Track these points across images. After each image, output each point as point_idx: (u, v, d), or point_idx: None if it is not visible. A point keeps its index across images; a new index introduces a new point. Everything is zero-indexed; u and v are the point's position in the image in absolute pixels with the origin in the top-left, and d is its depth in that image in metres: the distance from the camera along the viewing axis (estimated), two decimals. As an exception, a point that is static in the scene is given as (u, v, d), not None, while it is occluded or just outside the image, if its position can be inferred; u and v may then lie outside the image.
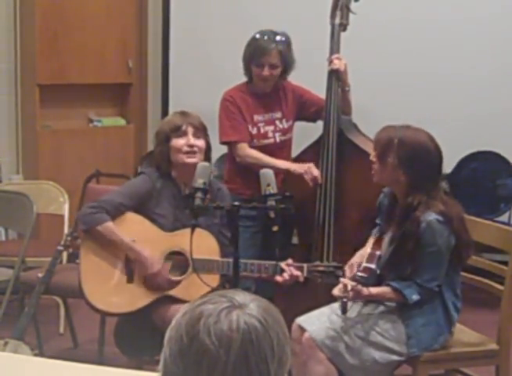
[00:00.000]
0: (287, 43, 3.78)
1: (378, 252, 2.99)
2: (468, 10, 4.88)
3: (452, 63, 4.89)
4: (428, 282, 2.91)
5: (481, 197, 4.77)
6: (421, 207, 2.89)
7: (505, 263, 3.15)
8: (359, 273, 2.94)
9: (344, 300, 2.86)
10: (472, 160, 4.82)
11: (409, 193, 2.94)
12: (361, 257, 3.10)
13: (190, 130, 3.19)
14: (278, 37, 3.75)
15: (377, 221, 3.20)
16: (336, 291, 2.94)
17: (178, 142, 3.18)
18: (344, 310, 2.89)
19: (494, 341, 3.15)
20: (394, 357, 2.98)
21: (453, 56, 4.89)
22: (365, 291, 2.90)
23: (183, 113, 3.25)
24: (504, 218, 4.82)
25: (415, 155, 2.94)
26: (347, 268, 3.11)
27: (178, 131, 3.19)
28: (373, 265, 2.96)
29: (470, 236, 2.99)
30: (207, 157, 3.23)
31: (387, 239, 3.04)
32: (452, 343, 3.09)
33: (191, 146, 3.16)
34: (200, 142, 3.19)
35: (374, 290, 2.94)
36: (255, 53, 3.73)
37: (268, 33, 3.77)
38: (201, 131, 3.22)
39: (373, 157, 3.03)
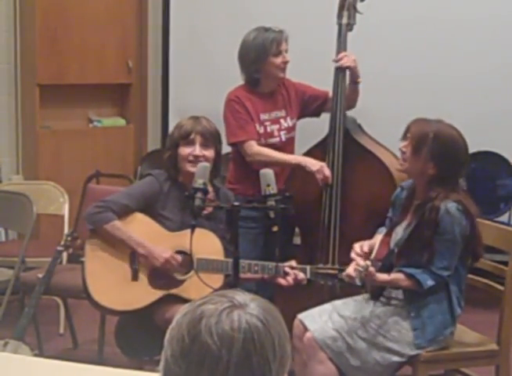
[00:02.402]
0: None
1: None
2: (468, 10, 4.88)
3: (452, 63, 4.89)
4: (441, 270, 2.93)
5: (481, 197, 4.75)
6: (440, 196, 2.93)
7: (505, 263, 3.15)
8: (369, 262, 2.96)
9: (361, 269, 2.85)
10: (472, 160, 4.79)
11: (432, 186, 2.97)
12: (371, 243, 3.11)
13: (198, 139, 3.17)
14: (280, 28, 3.78)
15: (389, 214, 3.21)
16: (350, 270, 2.96)
17: (185, 150, 3.17)
18: (362, 283, 2.90)
19: (494, 341, 3.15)
20: (396, 358, 2.99)
21: (453, 56, 4.89)
22: (379, 274, 2.91)
23: (196, 120, 3.21)
24: (504, 218, 4.82)
25: (448, 150, 2.98)
26: (356, 246, 3.09)
27: (186, 139, 3.17)
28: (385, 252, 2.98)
29: (480, 232, 3.01)
30: (216, 164, 3.21)
31: (400, 229, 3.06)
32: (452, 343, 3.10)
33: (196, 156, 3.15)
34: (208, 152, 3.17)
35: (387, 276, 2.95)
36: (273, 43, 3.72)
37: (263, 28, 3.78)
38: (210, 140, 3.19)
39: (403, 148, 3.04)
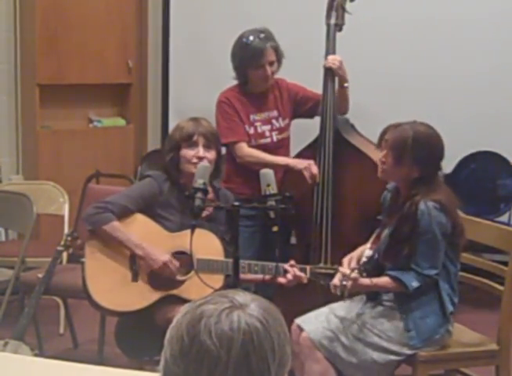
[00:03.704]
0: (273, 37, 3.79)
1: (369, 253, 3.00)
2: (467, 10, 4.88)
3: (452, 63, 4.88)
4: (427, 269, 2.93)
5: (481, 197, 4.76)
6: (421, 193, 2.93)
7: (505, 263, 3.15)
8: (357, 266, 2.96)
9: (344, 283, 2.87)
10: (472, 160, 4.82)
11: (416, 185, 2.97)
12: (361, 252, 3.11)
13: (201, 141, 3.16)
14: (266, 35, 3.76)
15: (380, 217, 3.21)
16: (335, 280, 2.96)
17: (188, 152, 3.16)
18: (342, 293, 2.90)
19: (494, 341, 3.15)
20: (392, 357, 2.99)
21: (453, 55, 4.88)
22: (363, 280, 2.91)
23: (196, 121, 3.21)
24: (504, 218, 4.82)
25: (429, 151, 2.98)
26: (345, 260, 3.11)
27: (188, 141, 3.17)
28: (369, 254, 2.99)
29: (462, 222, 3.01)
30: (218, 166, 3.21)
31: (387, 231, 3.06)
32: (452, 343, 3.10)
33: (200, 158, 3.14)
34: (210, 154, 3.16)
35: (373, 280, 2.95)
36: (254, 56, 3.72)
37: (254, 34, 3.76)
38: (213, 141, 3.19)
39: (383, 158, 3.03)
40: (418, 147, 2.95)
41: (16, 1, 5.35)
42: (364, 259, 3.03)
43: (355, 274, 2.89)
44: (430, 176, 2.98)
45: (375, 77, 4.84)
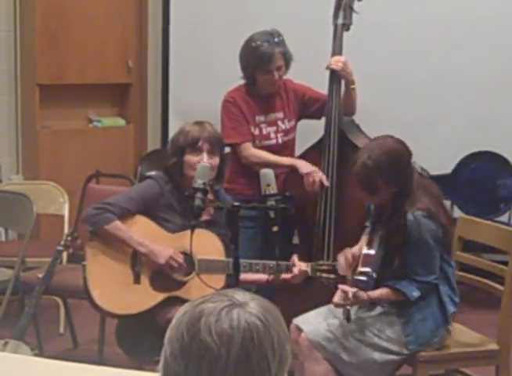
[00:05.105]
0: (283, 41, 3.76)
1: (372, 252, 2.99)
2: (470, 11, 4.88)
3: (453, 63, 4.89)
4: (425, 276, 2.94)
5: (481, 197, 4.76)
6: (408, 204, 2.94)
7: (505, 263, 3.16)
8: (356, 277, 2.95)
9: (348, 308, 2.88)
10: (472, 160, 4.82)
11: (399, 197, 2.97)
12: (358, 249, 3.11)
13: (206, 147, 3.14)
14: (275, 39, 3.72)
15: (367, 223, 3.21)
16: (336, 299, 2.95)
17: (192, 159, 3.14)
18: (348, 318, 2.90)
19: (494, 341, 3.15)
20: (393, 356, 2.99)
21: (454, 56, 4.89)
22: (364, 295, 2.92)
23: (201, 126, 3.18)
24: (504, 218, 4.83)
25: (396, 168, 2.97)
26: (340, 256, 3.10)
27: (193, 147, 3.14)
28: (368, 269, 2.96)
29: (450, 221, 3.02)
30: (221, 170, 3.20)
31: (377, 239, 3.06)
32: (452, 343, 3.10)
33: None
34: (214, 161, 3.14)
35: (374, 293, 2.96)
36: (261, 62, 3.68)
37: (264, 37, 3.72)
38: (217, 147, 3.17)
39: (365, 200, 3.07)
40: (384, 172, 2.95)
41: (16, 1, 5.35)
42: (364, 251, 3.01)
43: (358, 292, 2.90)
44: (409, 186, 2.98)
45: (381, 78, 4.83)
